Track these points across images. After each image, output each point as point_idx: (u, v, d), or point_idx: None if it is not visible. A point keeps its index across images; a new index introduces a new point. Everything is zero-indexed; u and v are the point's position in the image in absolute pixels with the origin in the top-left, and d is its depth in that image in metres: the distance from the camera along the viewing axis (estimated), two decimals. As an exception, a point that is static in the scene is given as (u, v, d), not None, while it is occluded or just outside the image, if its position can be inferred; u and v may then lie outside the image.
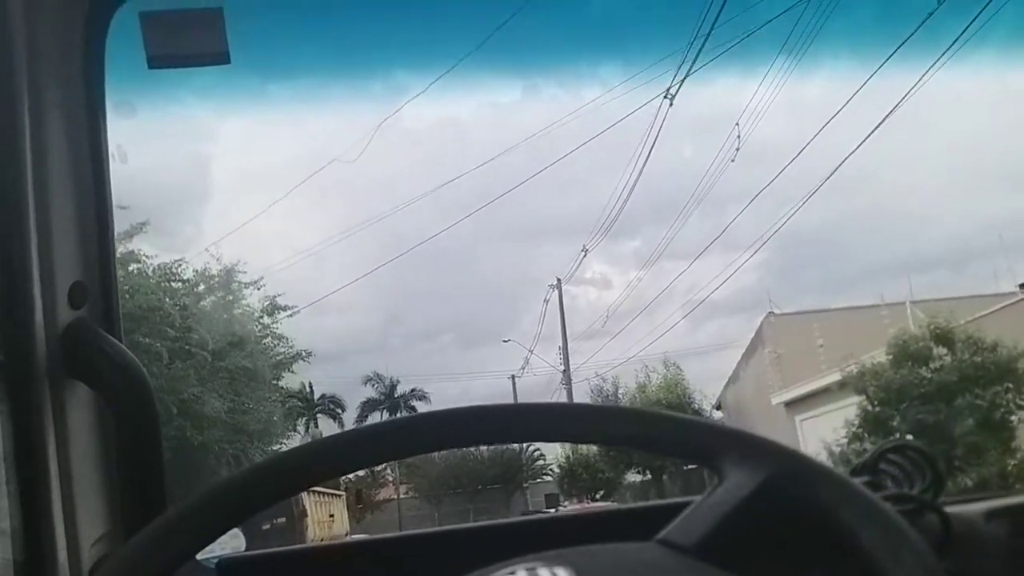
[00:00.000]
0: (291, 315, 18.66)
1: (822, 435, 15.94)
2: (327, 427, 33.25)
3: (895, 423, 12.28)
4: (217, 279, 16.90)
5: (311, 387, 33.80)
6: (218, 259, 16.88)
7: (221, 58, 1.08)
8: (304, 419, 33.61)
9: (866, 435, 12.63)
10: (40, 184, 0.98)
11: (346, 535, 21.95)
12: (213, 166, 34.07)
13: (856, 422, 12.92)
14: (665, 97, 16.83)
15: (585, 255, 26.90)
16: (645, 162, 19.74)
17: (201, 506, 0.60)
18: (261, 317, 18.16)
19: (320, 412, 34.86)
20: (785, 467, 0.60)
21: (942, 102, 20.41)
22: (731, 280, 26.83)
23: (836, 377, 15.63)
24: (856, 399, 15.63)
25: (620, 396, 25.84)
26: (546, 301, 30.11)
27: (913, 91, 12.40)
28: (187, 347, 14.52)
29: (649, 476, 25.42)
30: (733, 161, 16.67)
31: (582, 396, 27.26)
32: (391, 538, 1.15)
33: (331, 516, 22.78)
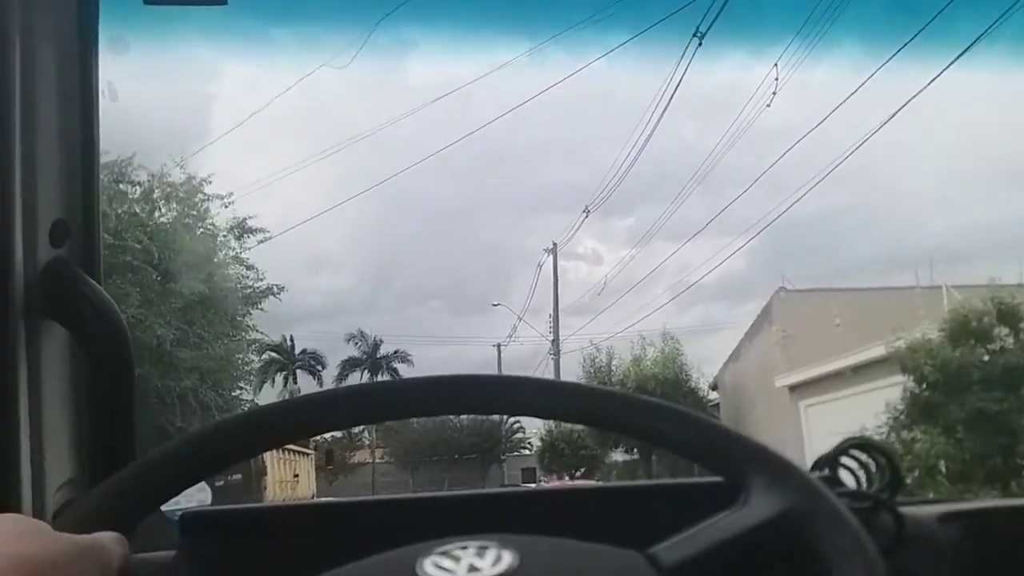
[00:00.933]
0: (263, 241, 16.06)
1: (828, 424, 14.26)
2: (306, 382, 31.30)
3: (948, 409, 10.03)
4: (182, 189, 14.28)
5: (292, 341, 32.12)
6: (181, 167, 14.29)
7: None
8: (283, 373, 31.85)
9: (912, 423, 10.36)
10: (28, 118, 0.92)
11: (312, 497, 19.91)
12: (212, 107, 31.83)
13: (901, 407, 10.63)
14: (695, 35, 15.12)
15: (587, 216, 24.95)
16: (661, 116, 18.15)
17: (168, 458, 0.59)
18: (226, 238, 15.51)
19: (300, 367, 32.98)
20: (805, 503, 0.56)
21: (943, 99, 18.85)
22: (716, 265, 25.30)
23: (869, 355, 13.54)
24: (872, 385, 13.91)
25: (614, 368, 23.61)
26: (539, 266, 28.14)
27: (924, 89, 11.90)
28: (129, 259, 11.97)
29: (631, 455, 23.27)
30: (768, 106, 14.62)
31: (572, 366, 25.30)
32: (362, 501, 0.96)
33: (295, 476, 20.72)
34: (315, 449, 23.90)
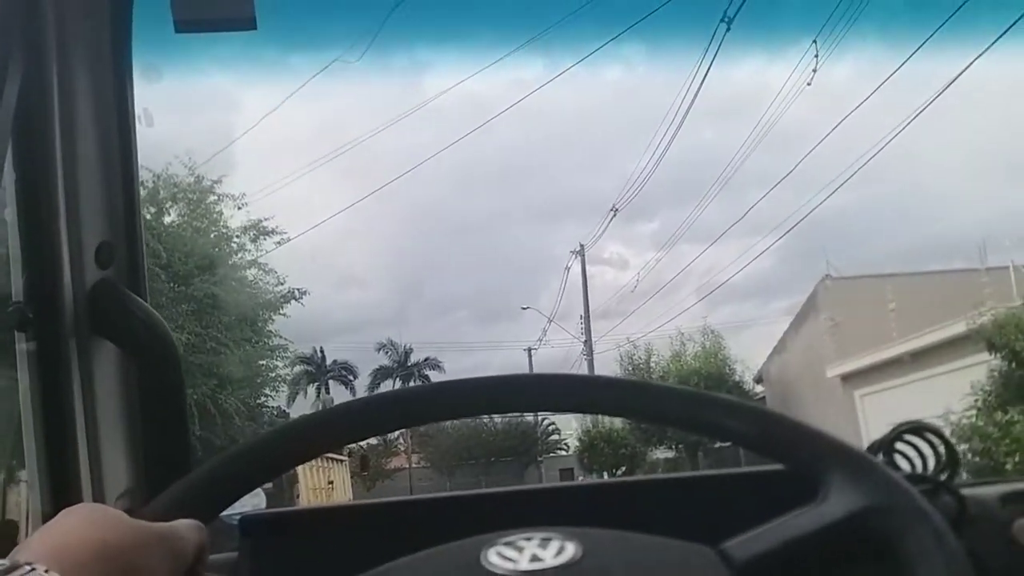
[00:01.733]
0: (280, 243, 14.98)
1: (887, 414, 13.02)
2: (338, 393, 30.51)
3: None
4: (191, 190, 13.23)
5: (322, 352, 31.31)
6: (191, 169, 13.25)
7: (248, 23, 1.01)
8: (315, 384, 31.11)
9: (1005, 404, 9.00)
10: (68, 145, 0.96)
11: (350, 503, 18.84)
12: (235, 134, 31.07)
13: (989, 387, 9.27)
14: (722, 20, 14.10)
15: (615, 215, 23.78)
16: (688, 111, 17.45)
17: (225, 466, 0.60)
18: (240, 239, 14.41)
19: (332, 378, 32.18)
20: (887, 500, 0.54)
21: (965, 92, 17.48)
22: (744, 265, 24.32)
23: (936, 337, 12.27)
24: (938, 370, 12.71)
25: (653, 365, 22.28)
26: (567, 269, 26.99)
27: (952, 83, 11.42)
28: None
29: (676, 453, 21.94)
30: (809, 84, 13.55)
31: (608, 366, 24.05)
32: (419, 499, 0.93)
33: (330, 483, 19.67)
34: (349, 455, 22.85)
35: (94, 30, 0.98)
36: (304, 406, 28.30)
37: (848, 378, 16.25)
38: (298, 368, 29.29)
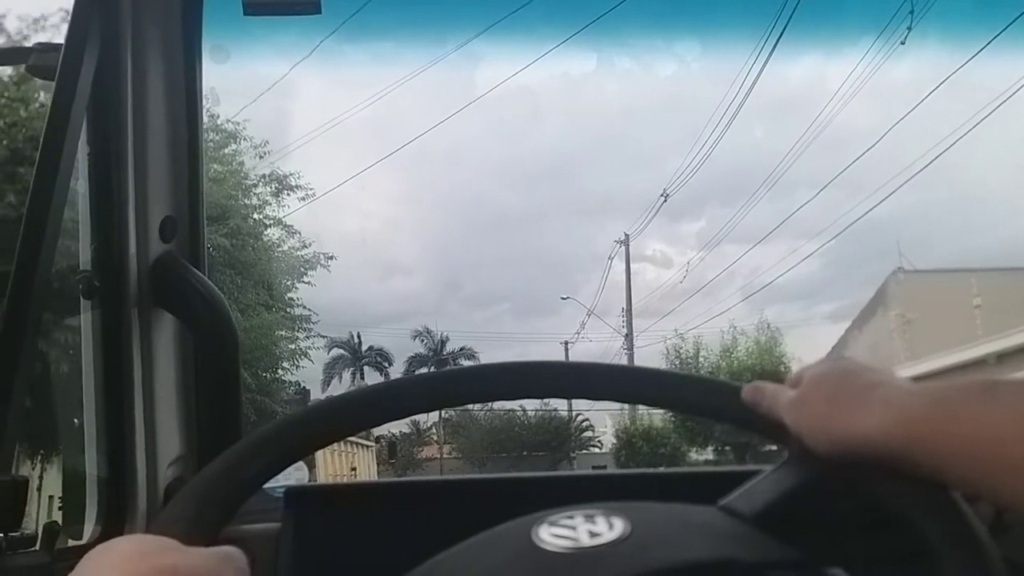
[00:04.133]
0: (306, 201, 13.39)
1: None
2: (373, 380, 29.01)
3: None
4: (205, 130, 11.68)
5: (359, 337, 29.99)
6: (207, 109, 11.71)
7: (313, 7, 1.04)
8: (351, 370, 29.77)
9: None
10: (139, 124, 1.00)
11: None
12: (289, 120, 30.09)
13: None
14: None
15: (665, 200, 22.07)
16: (740, 107, 15.96)
17: (272, 437, 0.60)
18: (259, 192, 12.82)
19: (367, 364, 30.77)
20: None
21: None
22: (791, 267, 23.13)
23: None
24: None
25: (701, 360, 20.54)
26: (610, 259, 25.28)
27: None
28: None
29: (719, 455, 20.04)
30: (903, 43, 11.89)
31: (648, 360, 22.45)
32: (453, 480, 1.01)
33: (353, 470, 18.25)
34: (377, 442, 21.32)
35: (167, 12, 1.02)
36: (339, 391, 26.93)
37: (921, 380, 14.27)
38: (334, 352, 28.17)
